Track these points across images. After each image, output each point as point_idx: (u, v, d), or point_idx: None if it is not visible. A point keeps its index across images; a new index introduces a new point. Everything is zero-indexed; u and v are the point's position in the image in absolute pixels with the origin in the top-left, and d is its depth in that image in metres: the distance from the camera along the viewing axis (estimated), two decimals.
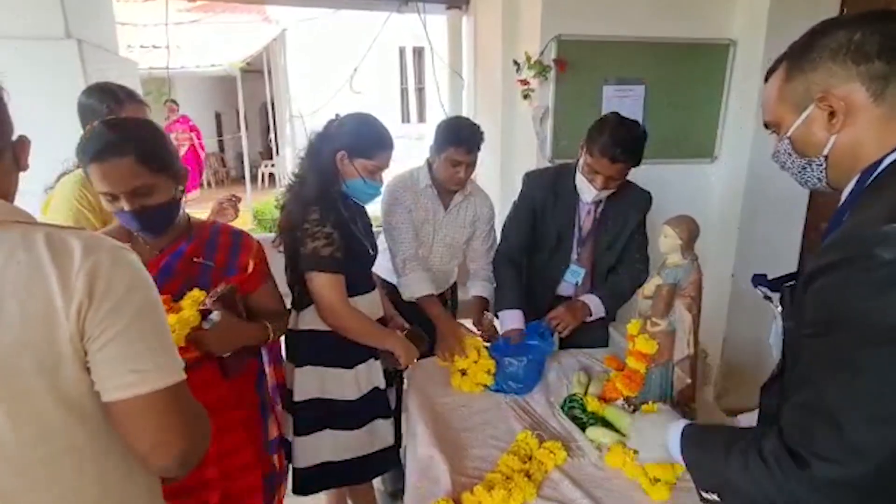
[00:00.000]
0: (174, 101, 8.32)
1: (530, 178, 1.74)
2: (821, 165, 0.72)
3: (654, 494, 0.99)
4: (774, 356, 0.80)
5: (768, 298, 0.81)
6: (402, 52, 10.79)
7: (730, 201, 2.46)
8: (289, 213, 1.33)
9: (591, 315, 1.62)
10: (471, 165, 1.63)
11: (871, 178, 0.65)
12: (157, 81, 10.12)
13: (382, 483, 1.94)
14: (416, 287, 1.64)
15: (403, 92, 11.02)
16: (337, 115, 1.38)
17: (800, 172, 0.76)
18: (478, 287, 1.82)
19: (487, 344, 1.57)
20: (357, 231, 1.38)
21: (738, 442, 0.69)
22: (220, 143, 12.82)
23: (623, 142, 1.45)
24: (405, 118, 10.89)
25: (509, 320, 1.61)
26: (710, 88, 2.41)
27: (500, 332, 1.63)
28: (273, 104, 8.78)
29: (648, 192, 1.70)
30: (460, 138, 1.58)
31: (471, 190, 1.77)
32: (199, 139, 8.59)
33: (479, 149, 1.62)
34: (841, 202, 0.71)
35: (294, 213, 1.30)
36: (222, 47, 8.97)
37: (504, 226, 1.78)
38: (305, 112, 8.14)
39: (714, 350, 2.62)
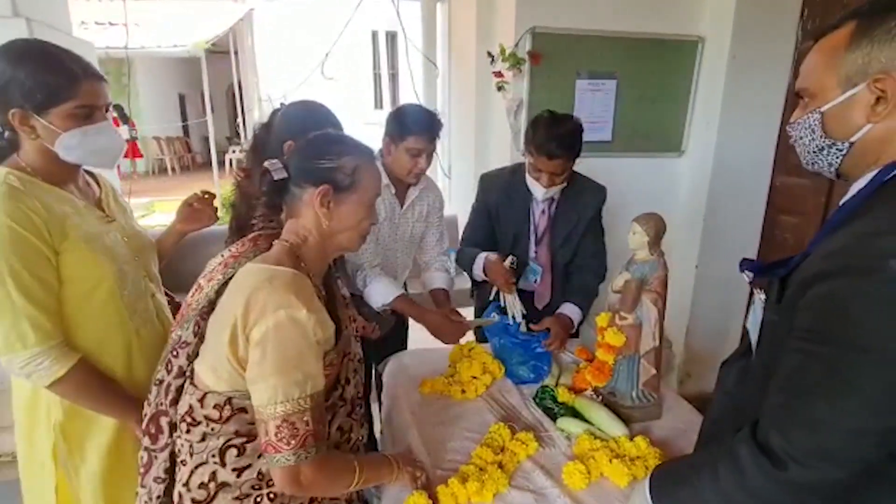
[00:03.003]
0: None
1: (484, 181, 1.75)
2: (841, 151, 0.65)
3: (618, 479, 1.03)
4: (752, 340, 0.80)
5: (752, 284, 0.80)
6: (374, 35, 10.58)
7: (695, 194, 2.54)
8: (237, 211, 1.27)
9: (573, 325, 1.65)
10: (431, 154, 1.57)
11: (890, 176, 0.61)
12: (114, 62, 9.61)
13: None
14: (385, 292, 1.54)
15: (376, 77, 10.84)
16: (282, 104, 1.33)
17: (814, 153, 0.68)
18: (436, 279, 1.80)
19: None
20: None
21: (705, 461, 0.69)
22: (185, 127, 12.34)
23: (557, 137, 1.48)
24: (378, 104, 10.73)
25: (486, 258, 1.60)
26: (678, 84, 2.47)
27: (489, 275, 1.61)
28: (240, 87, 8.48)
29: (603, 187, 1.74)
30: (421, 125, 1.50)
31: (425, 183, 1.71)
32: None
33: (439, 136, 1.56)
34: (848, 196, 0.66)
35: (241, 211, 1.25)
36: (185, 26, 8.57)
37: (465, 229, 1.80)
38: (275, 96, 7.91)
39: (677, 338, 2.72)
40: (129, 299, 1.10)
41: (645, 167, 2.55)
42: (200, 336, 0.85)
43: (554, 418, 1.24)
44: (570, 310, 1.66)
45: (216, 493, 0.81)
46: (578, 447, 1.12)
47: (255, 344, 0.75)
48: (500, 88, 2.38)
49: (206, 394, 0.81)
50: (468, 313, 2.04)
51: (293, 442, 0.74)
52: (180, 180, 10.15)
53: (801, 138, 0.70)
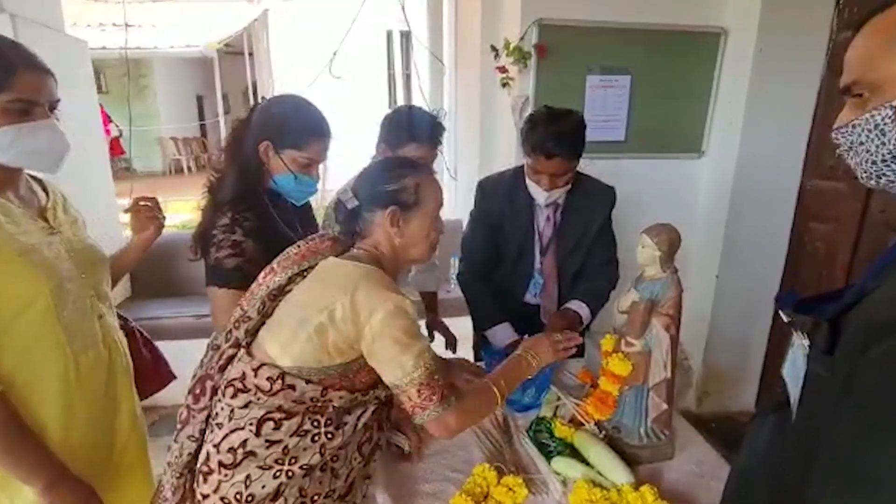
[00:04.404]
0: None
1: (484, 189, 1.61)
2: None
3: None
4: (791, 394, 0.65)
5: (792, 325, 0.65)
6: (389, 35, 10.48)
7: (716, 199, 2.36)
8: (203, 217, 1.15)
9: (581, 324, 1.50)
10: (433, 161, 1.46)
11: None
12: (135, 62, 9.79)
13: None
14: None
15: (391, 77, 10.73)
16: (262, 98, 1.22)
17: (886, 161, 0.54)
18: (428, 281, 1.70)
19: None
20: (295, 237, 1.19)
21: None
22: (202, 127, 12.45)
23: (555, 135, 1.33)
24: (392, 103, 10.63)
25: (500, 336, 1.50)
26: (699, 79, 2.28)
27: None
28: (255, 88, 8.48)
29: (612, 188, 1.59)
30: (421, 131, 1.40)
31: None
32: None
33: (441, 141, 1.45)
34: None
35: (206, 218, 1.13)
36: (201, 27, 8.62)
37: (463, 242, 1.65)
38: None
39: (695, 354, 2.53)
40: (70, 321, 0.96)
41: (661, 169, 2.37)
42: (264, 314, 0.93)
43: (549, 456, 1.09)
44: (577, 306, 1.51)
45: (242, 459, 0.85)
46: (575, 496, 0.97)
47: (376, 336, 0.84)
48: (504, 85, 2.24)
49: (262, 365, 0.87)
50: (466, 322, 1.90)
51: (434, 398, 0.86)
52: (196, 180, 10.20)
53: (861, 144, 0.56)
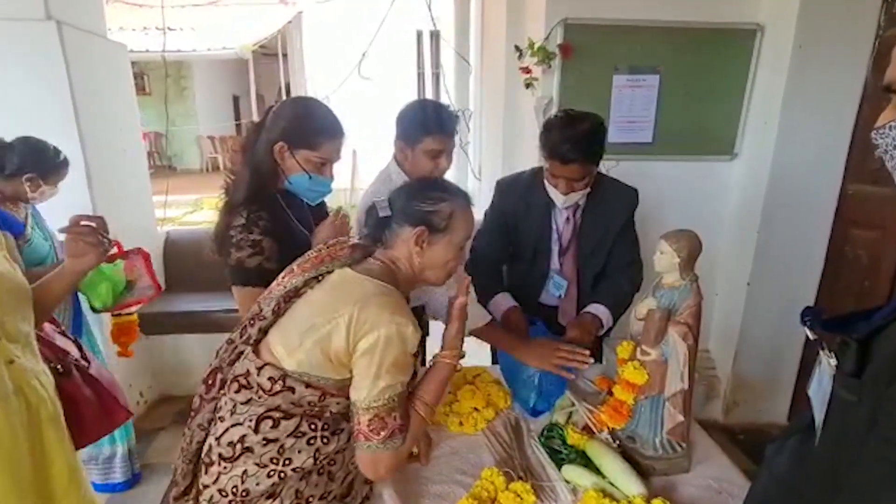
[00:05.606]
0: None
1: (501, 187, 1.61)
2: None
3: None
4: (816, 416, 0.62)
5: (819, 344, 0.62)
6: (419, 35, 10.52)
7: (748, 203, 2.27)
8: (219, 219, 1.18)
9: (602, 328, 1.47)
10: (451, 153, 1.47)
11: None
12: (175, 64, 10.20)
13: None
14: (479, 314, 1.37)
15: (420, 77, 10.77)
16: (276, 101, 1.24)
17: None
18: (442, 309, 1.72)
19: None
20: (311, 237, 1.23)
21: None
22: (238, 127, 12.83)
23: (571, 139, 1.31)
24: None
25: (502, 303, 1.49)
26: (732, 79, 2.20)
27: (500, 320, 1.47)
28: (288, 89, 8.68)
29: (634, 189, 1.55)
30: (436, 124, 1.40)
31: None
32: None
33: (457, 131, 1.46)
34: None
35: (222, 220, 1.16)
36: (238, 29, 8.88)
37: (474, 238, 1.63)
38: (321, 96, 8.01)
39: (725, 361, 2.45)
40: None
41: (691, 172, 2.30)
42: (277, 314, 0.93)
43: (560, 463, 1.08)
44: (596, 309, 1.47)
45: (240, 454, 0.87)
46: None
47: (365, 351, 0.83)
48: (528, 85, 2.21)
49: (265, 364, 0.89)
50: None
51: (383, 433, 0.85)
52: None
53: None
